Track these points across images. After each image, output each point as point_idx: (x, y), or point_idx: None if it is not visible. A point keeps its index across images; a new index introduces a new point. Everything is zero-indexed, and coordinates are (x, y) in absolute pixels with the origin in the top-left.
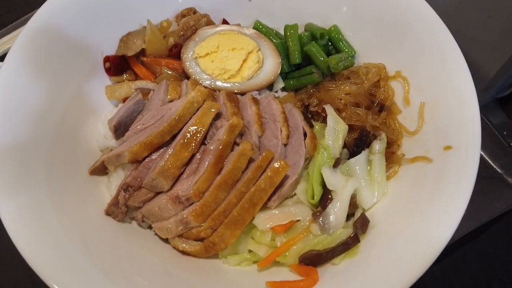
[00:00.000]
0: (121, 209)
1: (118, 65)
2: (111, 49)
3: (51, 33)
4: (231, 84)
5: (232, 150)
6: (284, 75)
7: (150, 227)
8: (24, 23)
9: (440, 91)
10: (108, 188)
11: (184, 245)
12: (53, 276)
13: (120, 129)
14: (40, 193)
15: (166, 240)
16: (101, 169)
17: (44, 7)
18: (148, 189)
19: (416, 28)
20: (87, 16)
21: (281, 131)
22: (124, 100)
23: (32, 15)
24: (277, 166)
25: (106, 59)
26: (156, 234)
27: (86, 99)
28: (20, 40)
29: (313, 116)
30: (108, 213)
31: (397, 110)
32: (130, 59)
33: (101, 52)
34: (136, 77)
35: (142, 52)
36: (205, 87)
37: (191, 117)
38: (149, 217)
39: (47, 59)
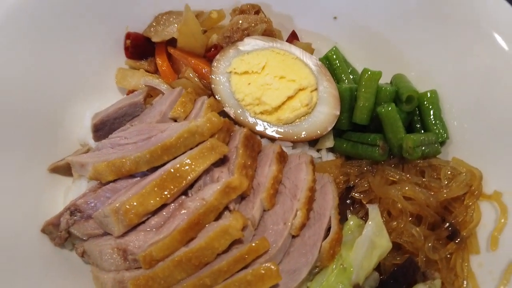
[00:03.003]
0: (60, 233)
1: (138, 47)
2: (141, 24)
3: None
4: (261, 122)
5: (218, 217)
6: (338, 131)
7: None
8: None
9: None
10: (65, 195)
11: None
12: None
13: (102, 130)
14: None
15: None
16: (65, 170)
17: None
18: (97, 223)
19: None
20: None
21: (296, 214)
22: (131, 91)
23: None
24: (263, 271)
25: (128, 35)
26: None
27: (92, 74)
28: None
29: (354, 203)
30: (45, 231)
31: (475, 248)
32: (156, 45)
33: (127, 25)
34: (156, 69)
35: (174, 42)
36: (225, 116)
37: (184, 152)
38: (90, 257)
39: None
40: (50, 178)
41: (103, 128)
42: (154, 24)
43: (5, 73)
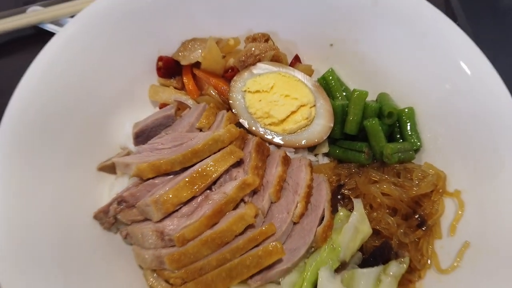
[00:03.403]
0: (109, 219)
1: (169, 69)
2: (170, 48)
3: (119, 15)
4: (269, 132)
5: (236, 207)
6: (332, 139)
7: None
8: None
9: (494, 244)
10: (110, 188)
11: (153, 280)
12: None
13: (141, 136)
14: (44, 171)
15: (141, 266)
16: (110, 168)
17: None
18: (139, 211)
19: (504, 160)
20: (156, 10)
21: (296, 206)
22: (162, 105)
23: None
24: (270, 248)
25: (160, 58)
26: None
27: (129, 89)
28: (86, 15)
29: (343, 198)
30: (96, 218)
31: (438, 234)
32: (184, 66)
33: (159, 49)
34: (183, 86)
35: (198, 63)
36: (240, 126)
37: (209, 156)
38: (132, 238)
39: (108, 40)
40: (98, 175)
41: (142, 135)
42: (181, 49)
43: (68, 81)
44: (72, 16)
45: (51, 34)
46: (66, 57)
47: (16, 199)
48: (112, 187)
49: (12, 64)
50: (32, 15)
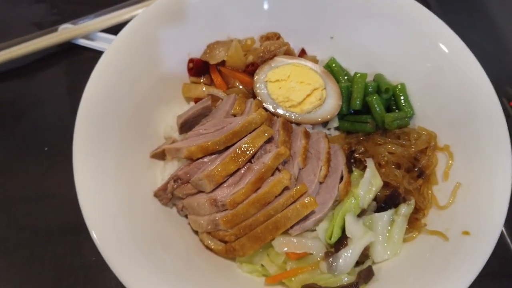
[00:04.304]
0: (167, 195)
1: (199, 69)
2: (197, 51)
3: (159, 24)
4: (290, 113)
5: (273, 174)
6: (341, 115)
7: (186, 217)
8: None
9: (479, 181)
10: (161, 172)
11: (209, 241)
12: (94, 225)
13: (185, 126)
14: (108, 162)
15: (196, 232)
16: (160, 155)
17: (154, 5)
18: (193, 185)
19: (479, 117)
20: (185, 19)
21: (320, 169)
22: (196, 99)
23: None
24: (306, 201)
25: (191, 60)
26: (189, 224)
27: (165, 89)
28: (131, 26)
29: (355, 161)
30: (156, 195)
31: (435, 180)
32: (211, 65)
33: (188, 52)
34: (211, 82)
35: (222, 62)
36: (266, 111)
37: (246, 135)
38: (188, 209)
39: (146, 47)
40: (150, 162)
41: (186, 125)
42: (208, 51)
43: (120, 87)
44: (101, 31)
45: (82, 48)
46: (116, 68)
47: (93, 190)
48: (163, 171)
49: (50, 77)
50: (65, 32)
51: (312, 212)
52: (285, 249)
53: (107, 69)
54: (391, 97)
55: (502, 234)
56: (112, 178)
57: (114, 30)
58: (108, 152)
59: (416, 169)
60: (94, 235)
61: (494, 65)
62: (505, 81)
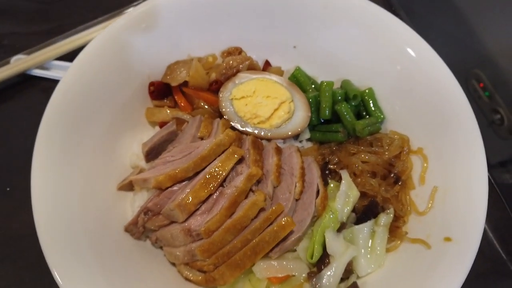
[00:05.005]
0: (138, 229)
1: (161, 91)
2: (158, 73)
3: (115, 48)
4: (259, 129)
5: (246, 196)
6: (311, 126)
7: (161, 248)
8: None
9: (455, 183)
10: (131, 204)
11: (188, 273)
12: (56, 264)
13: (151, 154)
14: (71, 198)
15: (173, 264)
16: (128, 186)
17: (108, 29)
18: (165, 216)
19: (450, 117)
20: (141, 41)
21: (295, 186)
22: (161, 124)
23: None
24: (283, 222)
25: (151, 84)
26: (165, 255)
27: (129, 115)
28: (86, 52)
29: (330, 172)
30: (127, 230)
31: (412, 185)
32: (173, 87)
33: (148, 75)
34: (176, 104)
35: (185, 82)
36: (234, 129)
37: (215, 158)
38: (162, 241)
39: (104, 73)
40: (117, 195)
41: (152, 152)
42: (168, 72)
43: (77, 116)
44: (56, 59)
45: (38, 78)
46: (73, 96)
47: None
48: (133, 203)
49: (5, 112)
50: (17, 64)
51: (291, 232)
52: (267, 274)
53: (64, 98)
54: (360, 103)
55: (485, 231)
56: (77, 215)
57: (69, 57)
58: (71, 188)
59: (392, 175)
60: (56, 275)
61: (462, 49)
62: (473, 64)
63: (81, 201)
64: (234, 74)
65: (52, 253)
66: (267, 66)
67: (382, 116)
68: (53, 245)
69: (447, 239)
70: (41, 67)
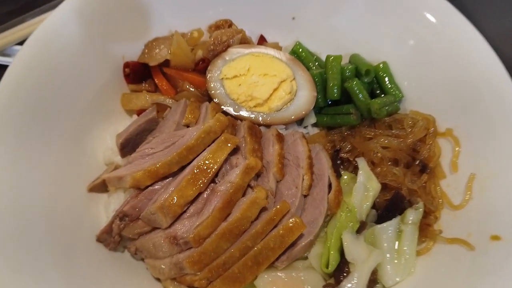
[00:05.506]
0: (113, 238)
1: (138, 73)
2: (134, 53)
3: (80, 22)
4: (256, 114)
5: (244, 194)
6: (318, 109)
7: (143, 260)
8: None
9: (499, 166)
10: (106, 208)
11: None
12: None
13: (127, 147)
14: (35, 203)
15: (158, 279)
16: (101, 187)
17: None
18: (145, 222)
19: (483, 91)
20: (114, 15)
21: (303, 179)
22: (139, 111)
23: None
24: (291, 224)
25: (126, 65)
26: (148, 269)
27: (101, 103)
28: (43, 28)
29: (343, 162)
30: (100, 240)
31: (442, 174)
32: (152, 68)
33: (123, 55)
34: (156, 88)
35: (166, 62)
36: (226, 114)
37: (205, 149)
38: (143, 252)
39: (69, 52)
40: (88, 197)
41: (128, 145)
42: (146, 51)
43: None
44: (18, 43)
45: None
46: (27, 85)
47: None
48: (107, 206)
49: None
50: None
51: (300, 236)
52: None
53: (17, 85)
54: (374, 80)
55: None
56: (39, 223)
57: None
58: (31, 191)
59: (417, 163)
60: None
61: None
62: None
63: (44, 206)
64: (224, 50)
65: (3, 273)
66: (262, 42)
67: (400, 94)
68: (5, 263)
69: (495, 237)
70: (2, 53)
